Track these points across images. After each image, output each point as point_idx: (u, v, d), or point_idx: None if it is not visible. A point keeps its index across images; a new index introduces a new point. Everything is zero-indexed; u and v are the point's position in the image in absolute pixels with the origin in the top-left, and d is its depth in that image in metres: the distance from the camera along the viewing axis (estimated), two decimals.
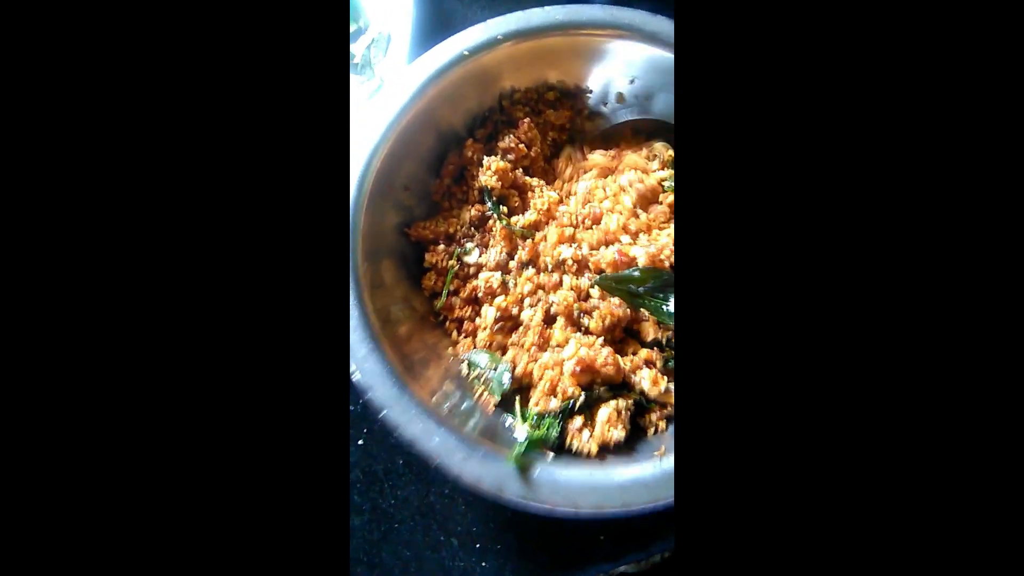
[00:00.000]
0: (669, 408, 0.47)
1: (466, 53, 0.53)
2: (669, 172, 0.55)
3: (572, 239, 0.51)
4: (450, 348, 0.52)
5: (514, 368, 0.48)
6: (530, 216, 0.52)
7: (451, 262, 0.52)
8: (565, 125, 0.59)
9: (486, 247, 0.52)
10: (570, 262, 0.50)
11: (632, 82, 0.58)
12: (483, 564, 0.53)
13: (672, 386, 0.47)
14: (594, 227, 0.52)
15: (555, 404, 0.46)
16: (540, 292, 0.50)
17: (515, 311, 0.50)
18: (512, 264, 0.51)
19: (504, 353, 0.50)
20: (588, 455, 0.45)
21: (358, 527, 0.55)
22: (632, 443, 0.46)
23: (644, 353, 0.48)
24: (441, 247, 0.53)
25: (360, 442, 0.56)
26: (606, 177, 0.56)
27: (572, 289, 0.49)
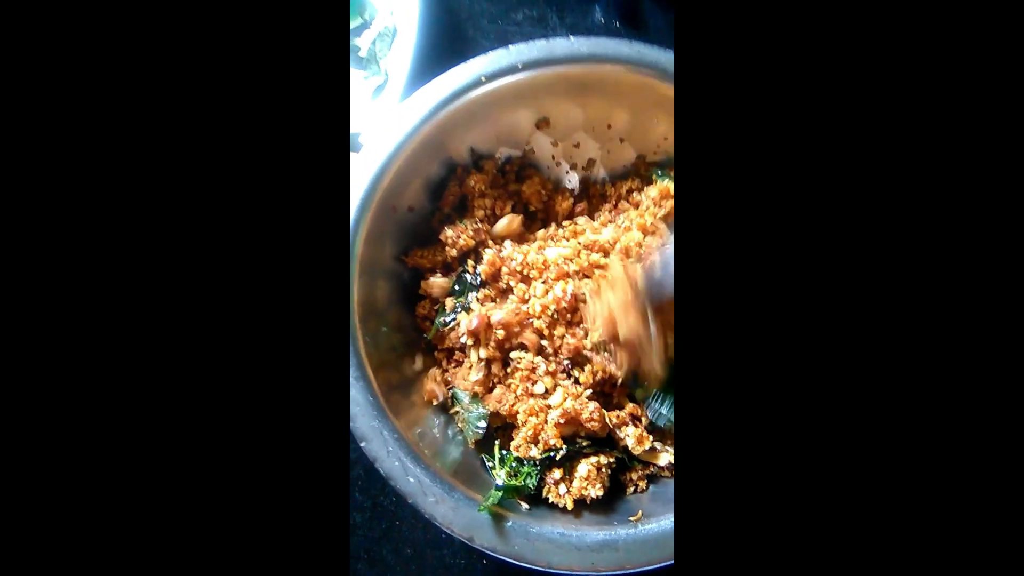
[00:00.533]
0: (652, 468, 0.46)
1: (483, 79, 0.51)
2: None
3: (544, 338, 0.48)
4: (437, 376, 0.51)
5: (500, 403, 0.47)
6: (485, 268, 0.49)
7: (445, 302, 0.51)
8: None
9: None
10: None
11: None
12: (483, 562, 0.53)
13: (657, 445, 0.46)
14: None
15: (535, 452, 0.45)
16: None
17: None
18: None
19: (492, 389, 0.49)
20: (564, 509, 0.44)
21: (360, 524, 0.55)
22: (611, 501, 0.45)
23: (630, 407, 0.47)
24: (438, 276, 0.51)
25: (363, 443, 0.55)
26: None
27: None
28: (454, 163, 0.54)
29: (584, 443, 0.45)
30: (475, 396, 0.48)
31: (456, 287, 0.51)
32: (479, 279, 0.50)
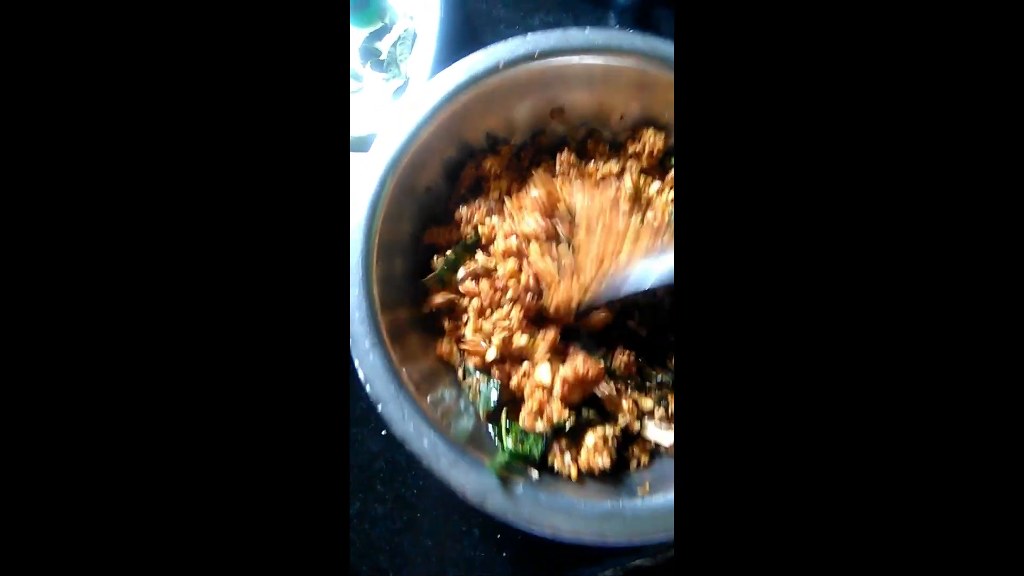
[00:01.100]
0: (651, 444, 0.48)
1: (501, 66, 0.53)
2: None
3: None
4: (449, 348, 0.52)
5: (508, 379, 0.48)
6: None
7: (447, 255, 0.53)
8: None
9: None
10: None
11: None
12: (503, 554, 0.54)
13: (652, 426, 0.47)
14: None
15: (541, 426, 0.46)
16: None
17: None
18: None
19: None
20: (569, 479, 0.45)
21: (381, 516, 0.56)
22: (617, 473, 0.46)
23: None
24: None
25: (384, 432, 0.56)
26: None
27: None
28: (471, 147, 0.56)
29: (590, 413, 0.47)
30: (486, 371, 0.49)
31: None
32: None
